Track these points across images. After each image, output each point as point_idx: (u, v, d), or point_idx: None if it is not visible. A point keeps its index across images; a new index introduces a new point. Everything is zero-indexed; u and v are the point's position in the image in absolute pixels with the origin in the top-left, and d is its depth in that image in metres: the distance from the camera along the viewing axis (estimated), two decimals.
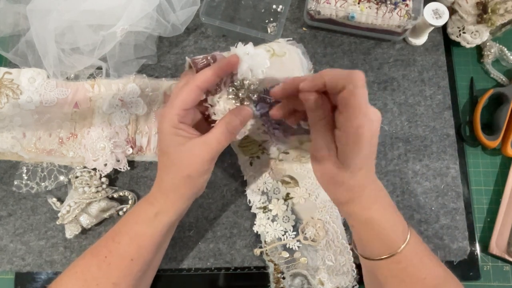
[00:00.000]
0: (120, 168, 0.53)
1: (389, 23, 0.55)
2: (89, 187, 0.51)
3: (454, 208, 0.54)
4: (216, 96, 0.41)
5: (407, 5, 0.55)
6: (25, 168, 0.54)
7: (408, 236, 0.39)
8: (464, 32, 0.57)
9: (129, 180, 0.55)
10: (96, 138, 0.53)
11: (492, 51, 0.59)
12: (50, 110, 0.54)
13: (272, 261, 0.50)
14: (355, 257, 0.50)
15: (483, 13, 0.54)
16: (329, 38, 0.60)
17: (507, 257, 0.52)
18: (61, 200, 0.53)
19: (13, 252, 0.52)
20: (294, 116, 0.42)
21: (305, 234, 0.50)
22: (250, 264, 0.52)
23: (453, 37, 0.59)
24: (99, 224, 0.53)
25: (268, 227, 0.51)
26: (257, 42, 0.59)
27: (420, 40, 0.59)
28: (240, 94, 0.41)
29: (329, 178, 0.38)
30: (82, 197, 0.50)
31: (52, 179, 0.54)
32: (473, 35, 0.57)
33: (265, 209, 0.51)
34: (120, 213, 0.53)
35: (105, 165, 0.52)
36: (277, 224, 0.51)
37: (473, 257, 0.53)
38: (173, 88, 0.55)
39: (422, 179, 0.55)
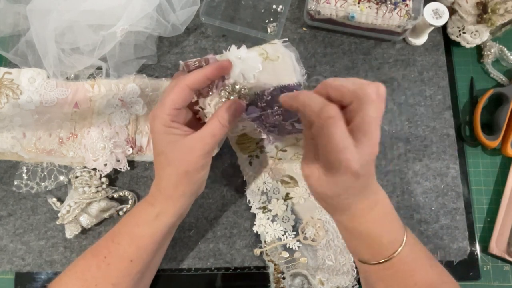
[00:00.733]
0: (120, 168, 0.53)
1: (389, 23, 0.55)
2: (89, 187, 0.51)
3: (454, 208, 0.54)
4: (207, 99, 0.42)
5: (407, 5, 0.55)
6: (25, 168, 0.54)
7: (403, 243, 0.38)
8: (464, 32, 0.57)
9: (129, 180, 0.55)
10: (96, 138, 0.53)
11: (492, 51, 0.59)
12: (50, 110, 0.54)
13: (272, 261, 0.50)
14: None
15: (483, 13, 0.54)
16: (329, 38, 0.60)
17: (507, 257, 0.52)
18: (61, 200, 0.53)
19: (13, 252, 0.52)
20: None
21: (305, 234, 0.50)
22: (250, 264, 0.52)
23: (453, 37, 0.59)
24: (99, 224, 0.53)
25: (268, 227, 0.51)
26: (257, 42, 0.59)
27: (420, 40, 0.59)
28: (231, 98, 0.41)
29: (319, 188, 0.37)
30: (82, 197, 0.50)
31: (52, 179, 0.54)
32: (473, 35, 0.57)
33: (265, 209, 0.51)
34: (120, 213, 0.53)
35: (105, 165, 0.52)
36: (277, 224, 0.51)
37: (473, 257, 0.53)
38: (165, 89, 0.55)
39: (422, 179, 0.55)
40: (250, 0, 0.61)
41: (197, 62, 0.40)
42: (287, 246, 0.50)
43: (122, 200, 0.54)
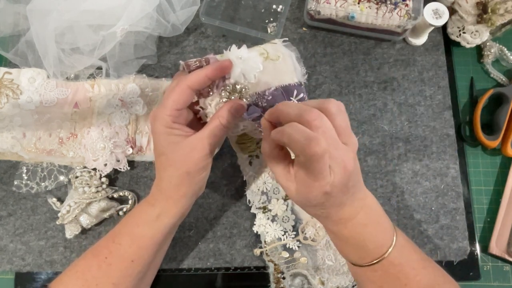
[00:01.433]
0: (120, 168, 0.53)
1: (389, 23, 0.55)
2: (89, 187, 0.51)
3: (454, 208, 0.54)
4: (208, 99, 0.42)
5: (407, 5, 0.55)
6: (25, 168, 0.54)
7: (392, 245, 0.38)
8: (464, 32, 0.57)
9: (129, 180, 0.55)
10: (96, 138, 0.53)
11: (492, 51, 0.59)
12: (50, 110, 0.54)
13: (272, 261, 0.50)
14: None
15: (483, 13, 0.54)
16: (329, 38, 0.60)
17: (507, 257, 0.52)
18: (61, 200, 0.53)
19: (13, 252, 0.52)
20: None
21: (305, 234, 0.50)
22: (250, 264, 0.52)
23: (453, 37, 0.59)
24: (99, 224, 0.53)
25: (268, 227, 0.51)
26: (257, 42, 0.59)
27: (420, 40, 0.59)
28: (232, 98, 0.41)
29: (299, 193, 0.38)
30: (82, 197, 0.50)
31: (52, 179, 0.54)
32: (473, 35, 0.57)
33: (264, 209, 0.51)
34: (120, 213, 0.53)
35: (105, 165, 0.52)
36: (277, 224, 0.51)
37: (473, 257, 0.53)
38: (165, 89, 0.55)
39: (422, 179, 0.55)
40: (250, 0, 0.61)
41: (197, 62, 0.40)
42: (287, 246, 0.50)
43: (122, 200, 0.54)
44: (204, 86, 0.40)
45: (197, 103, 0.43)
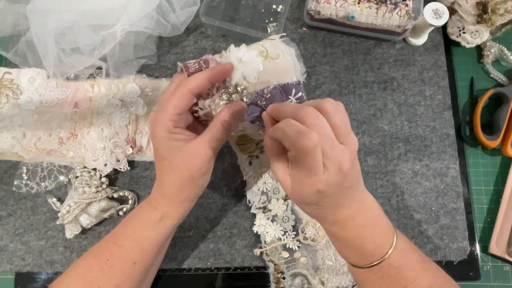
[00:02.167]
0: (120, 168, 0.53)
1: (389, 23, 0.55)
2: (89, 187, 0.51)
3: (454, 208, 0.54)
4: (207, 100, 0.41)
5: (407, 5, 0.55)
6: (25, 168, 0.54)
7: (391, 248, 0.38)
8: (464, 32, 0.57)
9: (129, 180, 0.55)
10: (96, 138, 0.53)
11: (492, 51, 0.59)
12: (50, 110, 0.54)
13: (272, 261, 0.50)
14: None
15: (483, 13, 0.54)
16: (329, 38, 0.60)
17: (507, 257, 0.52)
18: (61, 200, 0.53)
19: (13, 252, 0.52)
20: None
21: (305, 234, 0.50)
22: (250, 264, 0.52)
23: (453, 37, 0.59)
24: (99, 224, 0.53)
25: (268, 227, 0.51)
26: (257, 42, 0.59)
27: (420, 40, 0.59)
28: (232, 99, 0.41)
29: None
30: (82, 197, 0.50)
31: (52, 179, 0.54)
32: (473, 35, 0.57)
33: (264, 209, 0.51)
34: (120, 213, 0.53)
35: (105, 165, 0.52)
36: (277, 224, 0.51)
37: (473, 257, 0.53)
38: (164, 90, 0.55)
39: (422, 179, 0.55)
40: (250, 0, 0.61)
41: (196, 64, 0.40)
42: (287, 246, 0.50)
43: (122, 200, 0.54)
44: (205, 90, 0.40)
45: (195, 103, 0.42)
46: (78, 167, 0.53)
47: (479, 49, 0.61)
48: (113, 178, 0.54)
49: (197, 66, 0.40)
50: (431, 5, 0.54)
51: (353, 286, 0.50)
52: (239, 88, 0.40)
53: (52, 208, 0.53)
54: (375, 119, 0.57)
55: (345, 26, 0.58)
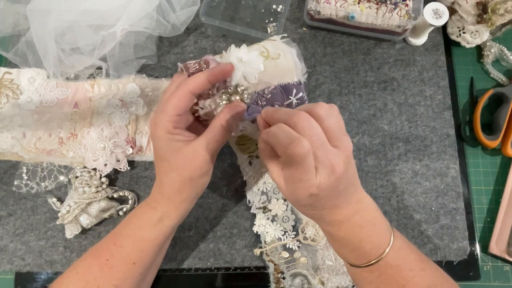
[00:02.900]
0: (120, 168, 0.53)
1: (389, 23, 0.55)
2: (89, 187, 0.51)
3: (454, 208, 0.54)
4: (207, 100, 0.41)
5: (407, 5, 0.55)
6: (25, 168, 0.54)
7: (388, 247, 0.38)
8: (464, 32, 0.57)
9: (129, 180, 0.55)
10: (96, 138, 0.53)
11: (492, 51, 0.59)
12: (50, 110, 0.54)
13: (272, 261, 0.50)
14: None
15: (483, 13, 0.54)
16: (329, 38, 0.60)
17: (507, 257, 0.52)
18: (61, 200, 0.53)
19: (13, 252, 0.52)
20: None
21: (305, 234, 0.50)
22: (250, 264, 0.52)
23: (453, 37, 0.59)
24: (99, 224, 0.53)
25: (268, 227, 0.51)
26: (257, 42, 0.59)
27: (420, 40, 0.59)
28: (232, 99, 0.40)
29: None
30: (82, 197, 0.50)
31: (52, 179, 0.54)
32: (473, 35, 0.57)
33: (264, 209, 0.51)
34: (120, 213, 0.53)
35: (105, 165, 0.52)
36: (276, 224, 0.51)
37: (473, 257, 0.53)
38: (164, 90, 0.55)
39: (422, 179, 0.55)
40: (250, 0, 0.61)
41: (196, 65, 0.40)
42: (287, 246, 0.50)
43: (122, 200, 0.54)
44: (205, 90, 0.40)
45: (196, 103, 0.42)
46: (78, 167, 0.53)
47: (479, 49, 0.61)
48: (113, 178, 0.54)
49: (197, 67, 0.40)
50: (431, 5, 0.54)
51: (353, 286, 0.50)
52: (239, 89, 0.40)
53: (52, 208, 0.53)
54: (375, 119, 0.57)
55: (345, 26, 0.58)
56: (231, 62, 0.40)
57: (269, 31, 0.59)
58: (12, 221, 0.53)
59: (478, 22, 0.55)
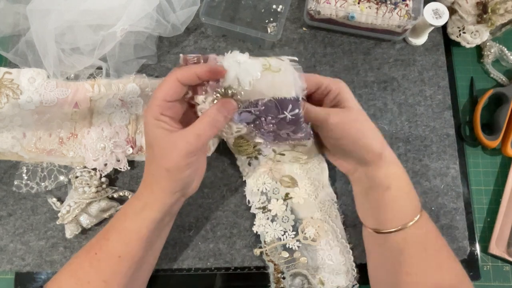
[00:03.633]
0: (120, 168, 0.53)
1: (389, 23, 0.55)
2: (89, 187, 0.51)
3: (454, 208, 0.54)
4: (201, 96, 0.41)
5: (407, 5, 0.55)
6: (25, 168, 0.54)
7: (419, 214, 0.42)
8: (464, 32, 0.57)
9: (129, 180, 0.55)
10: (96, 138, 0.53)
11: (492, 51, 0.59)
12: (50, 110, 0.54)
13: (272, 261, 0.50)
14: (355, 256, 0.50)
15: (483, 13, 0.54)
16: (329, 38, 0.60)
17: (507, 257, 0.52)
18: (61, 200, 0.53)
19: (13, 252, 0.52)
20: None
21: (305, 233, 0.50)
22: (250, 264, 0.52)
23: (453, 37, 0.59)
24: (99, 224, 0.53)
25: (268, 227, 0.51)
26: (257, 42, 0.59)
27: (420, 40, 0.59)
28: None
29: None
30: (82, 197, 0.50)
31: (52, 179, 0.54)
32: (473, 35, 0.57)
33: (264, 209, 0.51)
34: None
35: (105, 165, 0.52)
36: (276, 224, 0.51)
37: (473, 257, 0.53)
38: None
39: (422, 179, 0.55)
40: (250, 0, 0.61)
41: (195, 59, 0.40)
42: (287, 246, 0.50)
43: (122, 200, 0.54)
44: (193, 83, 0.40)
45: (192, 98, 0.42)
46: (78, 167, 0.53)
47: (479, 49, 0.61)
48: (113, 178, 0.54)
49: (195, 61, 0.40)
50: (431, 5, 0.54)
51: (353, 286, 0.50)
52: (230, 91, 0.39)
53: (52, 208, 0.53)
54: (375, 119, 0.57)
55: (345, 26, 0.58)
56: (227, 62, 0.40)
57: (269, 31, 0.59)
58: (12, 221, 0.53)
59: (478, 22, 0.55)
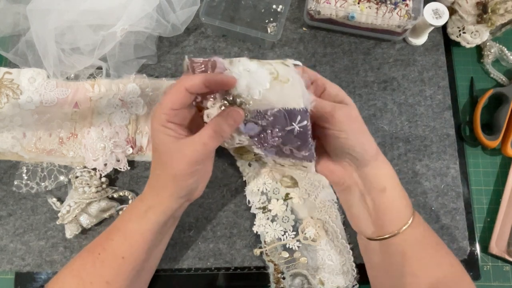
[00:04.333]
0: (120, 168, 0.53)
1: (389, 23, 0.55)
2: (89, 187, 0.51)
3: (454, 208, 0.54)
4: (209, 103, 0.41)
5: (407, 5, 0.55)
6: (25, 168, 0.54)
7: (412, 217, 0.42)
8: (464, 32, 0.57)
9: (129, 180, 0.55)
10: (96, 138, 0.53)
11: (492, 51, 0.59)
12: (50, 110, 0.54)
13: (272, 261, 0.50)
14: (355, 256, 0.50)
15: (483, 13, 0.54)
16: (329, 38, 0.60)
17: (507, 257, 0.52)
18: (61, 200, 0.53)
19: (13, 252, 0.52)
20: None
21: (305, 234, 0.50)
22: (250, 264, 0.52)
23: (453, 37, 0.59)
24: (99, 224, 0.53)
25: (268, 227, 0.51)
26: (257, 42, 0.59)
27: (420, 40, 0.59)
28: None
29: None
30: (82, 197, 0.50)
31: (52, 179, 0.54)
32: (473, 35, 0.57)
33: (264, 209, 0.51)
34: (120, 213, 0.53)
35: (105, 165, 0.52)
36: (276, 224, 0.51)
37: (473, 257, 0.53)
38: (165, 89, 0.55)
39: (422, 179, 0.55)
40: (250, 0, 0.61)
41: (203, 66, 0.39)
42: (287, 246, 0.50)
43: (122, 200, 0.54)
44: (201, 92, 0.39)
45: (201, 102, 0.42)
46: (78, 167, 0.53)
47: (479, 49, 0.61)
48: (113, 178, 0.54)
49: (203, 68, 0.39)
50: (431, 5, 0.54)
51: (353, 286, 0.50)
52: (238, 100, 0.39)
53: (52, 208, 0.53)
54: (375, 119, 0.57)
55: (345, 26, 0.58)
56: (238, 71, 0.39)
57: (269, 31, 0.59)
58: (12, 221, 0.53)
59: (478, 22, 0.55)
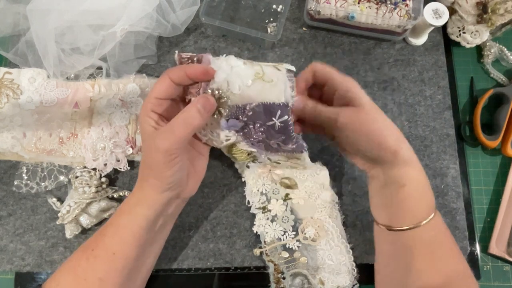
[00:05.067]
0: (120, 168, 0.53)
1: (389, 23, 0.55)
2: (89, 187, 0.51)
3: (454, 208, 0.54)
4: (193, 98, 0.41)
5: (407, 5, 0.55)
6: (25, 168, 0.54)
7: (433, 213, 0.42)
8: (464, 32, 0.57)
9: (129, 180, 0.55)
10: (96, 138, 0.53)
11: (492, 51, 0.59)
12: (50, 110, 0.54)
13: (272, 261, 0.50)
14: (355, 256, 0.50)
15: (483, 13, 0.54)
16: (329, 38, 0.60)
17: (507, 257, 0.52)
18: (61, 200, 0.53)
19: (13, 252, 0.52)
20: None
21: (305, 233, 0.50)
22: (250, 264, 0.52)
23: (453, 37, 0.59)
24: (99, 224, 0.53)
25: (268, 227, 0.51)
26: (257, 42, 0.59)
27: (420, 40, 0.59)
28: None
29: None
30: (82, 197, 0.50)
31: (52, 179, 0.54)
32: (473, 35, 0.57)
33: (264, 209, 0.51)
34: None
35: (105, 165, 0.52)
36: (276, 224, 0.51)
37: (473, 257, 0.53)
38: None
39: None
40: (250, 0, 0.61)
41: (189, 60, 0.40)
42: (287, 246, 0.50)
43: (122, 200, 0.54)
44: (185, 83, 0.40)
45: (190, 99, 0.42)
46: (78, 167, 0.53)
47: (479, 49, 0.61)
48: (113, 178, 0.54)
49: (189, 61, 0.40)
50: (431, 5, 0.54)
51: (353, 286, 0.50)
52: (217, 93, 0.39)
53: (52, 208, 0.53)
54: None
55: (345, 26, 0.58)
56: (219, 64, 0.39)
57: (269, 31, 0.59)
58: (12, 221, 0.53)
59: (478, 22, 0.55)
